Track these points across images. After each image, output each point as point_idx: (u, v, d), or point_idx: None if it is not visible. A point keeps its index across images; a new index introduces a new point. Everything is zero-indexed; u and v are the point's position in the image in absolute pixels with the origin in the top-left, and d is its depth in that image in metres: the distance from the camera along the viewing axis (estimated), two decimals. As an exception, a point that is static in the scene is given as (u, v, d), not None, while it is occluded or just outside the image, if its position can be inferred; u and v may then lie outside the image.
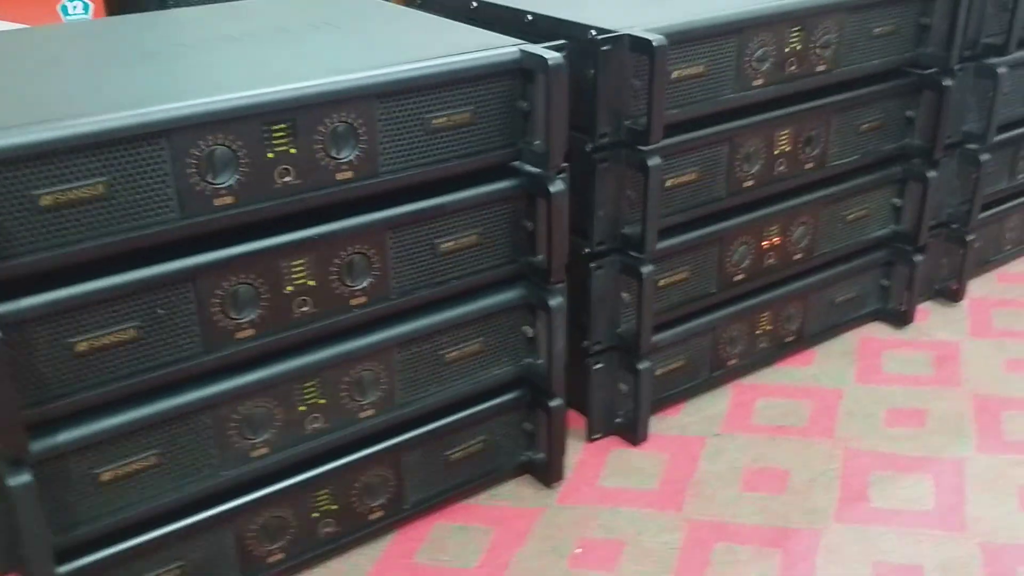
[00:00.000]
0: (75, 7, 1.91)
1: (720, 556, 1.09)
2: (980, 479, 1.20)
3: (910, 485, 1.20)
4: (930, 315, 1.58)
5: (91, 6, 1.91)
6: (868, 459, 1.24)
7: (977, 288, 1.65)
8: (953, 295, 1.60)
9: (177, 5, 1.84)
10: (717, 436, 1.30)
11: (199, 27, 1.17)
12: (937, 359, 1.46)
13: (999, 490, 1.19)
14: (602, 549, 1.10)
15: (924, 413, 1.34)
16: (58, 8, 1.90)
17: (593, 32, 1.10)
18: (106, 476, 0.89)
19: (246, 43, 1.07)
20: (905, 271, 1.50)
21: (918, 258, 1.49)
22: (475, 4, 1.29)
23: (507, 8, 1.23)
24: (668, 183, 1.21)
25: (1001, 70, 1.44)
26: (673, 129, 1.18)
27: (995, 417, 1.33)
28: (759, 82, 1.23)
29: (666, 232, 1.23)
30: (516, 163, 1.07)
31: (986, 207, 1.61)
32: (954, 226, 1.56)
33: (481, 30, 1.11)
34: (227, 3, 1.33)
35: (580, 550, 1.10)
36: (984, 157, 1.50)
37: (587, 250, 1.20)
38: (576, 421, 1.31)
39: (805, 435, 1.29)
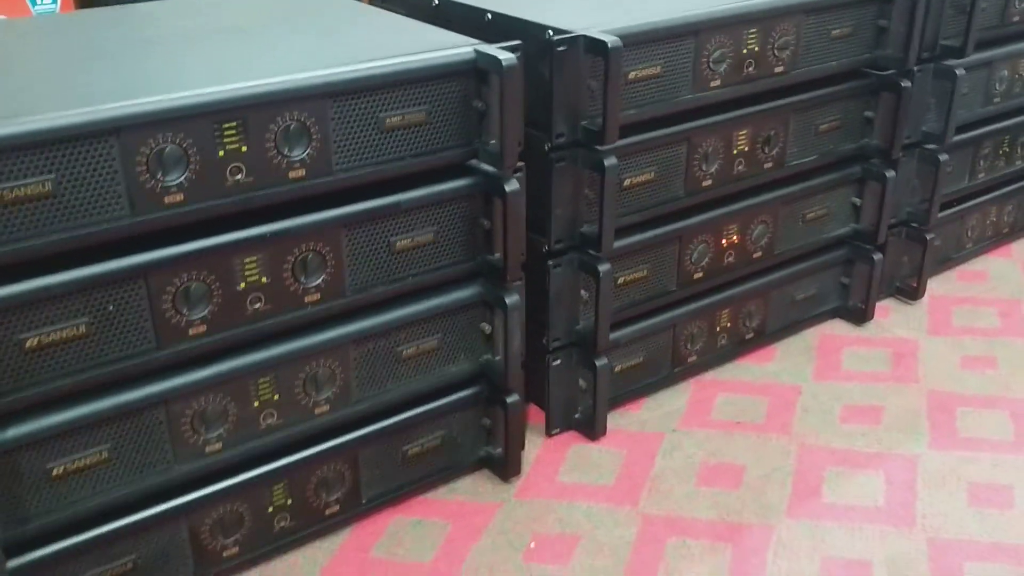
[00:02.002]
0: (44, -1, 1.91)
1: (673, 550, 1.10)
2: (932, 476, 1.22)
3: (863, 481, 1.21)
4: (890, 312, 1.60)
5: (59, -2, 1.91)
6: (823, 455, 1.26)
7: (937, 286, 1.67)
8: (913, 293, 1.62)
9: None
10: (675, 432, 1.31)
11: (159, 24, 1.17)
12: (895, 356, 1.48)
13: (950, 487, 1.20)
14: (557, 543, 1.12)
15: (880, 410, 1.36)
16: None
17: (550, 32, 1.11)
18: (57, 471, 0.90)
19: (203, 41, 1.07)
20: (865, 269, 1.52)
21: (878, 256, 1.51)
22: (436, 2, 1.29)
23: (467, 7, 1.24)
24: (626, 182, 1.22)
25: (959, 71, 1.46)
26: (630, 129, 1.19)
27: (950, 414, 1.35)
28: (716, 83, 1.24)
29: (625, 231, 1.25)
30: (473, 162, 1.08)
31: (946, 206, 1.64)
32: (914, 225, 1.58)
33: (439, 29, 1.11)
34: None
35: (534, 544, 1.11)
36: (943, 157, 1.52)
37: (546, 248, 1.21)
38: (536, 416, 1.32)
39: (762, 431, 1.31)
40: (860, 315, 1.55)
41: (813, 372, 1.44)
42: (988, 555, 1.09)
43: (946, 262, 1.72)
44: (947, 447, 1.28)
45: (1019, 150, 1.72)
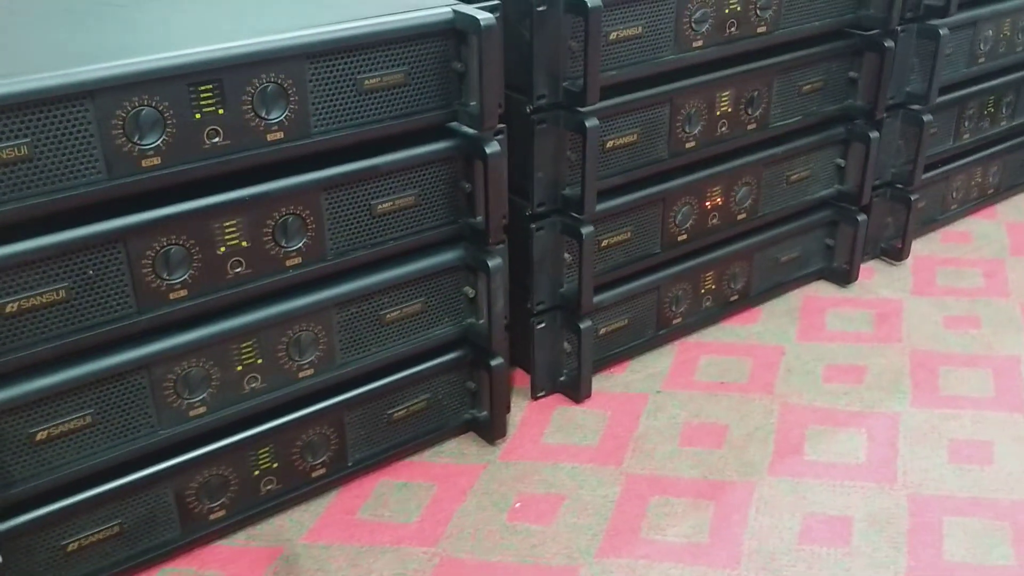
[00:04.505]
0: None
1: (656, 508, 1.11)
2: (913, 433, 1.24)
3: (844, 439, 1.23)
4: (874, 274, 1.61)
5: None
6: (805, 414, 1.27)
7: (921, 247, 1.68)
8: (897, 254, 1.62)
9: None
10: (659, 393, 1.32)
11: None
12: (878, 317, 1.49)
13: (931, 443, 1.22)
14: (542, 503, 1.13)
15: (863, 369, 1.37)
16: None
17: (529, -8, 1.10)
18: (40, 435, 0.90)
19: (179, 2, 1.06)
20: (849, 230, 1.53)
21: (862, 218, 1.51)
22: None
23: (447, -32, 1.23)
24: (608, 144, 1.22)
25: (943, 31, 1.46)
26: (612, 91, 1.19)
27: (932, 373, 1.36)
28: (698, 44, 1.23)
29: (608, 193, 1.25)
30: (453, 124, 1.08)
31: (931, 167, 1.64)
32: (898, 186, 1.59)
33: (417, -10, 1.10)
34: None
35: (519, 504, 1.12)
36: (927, 118, 1.52)
37: (528, 211, 1.21)
38: (521, 379, 1.33)
39: (745, 391, 1.32)
40: (844, 276, 1.56)
41: (797, 333, 1.45)
42: (967, 510, 1.11)
43: (931, 223, 1.72)
44: (929, 405, 1.29)
45: (1003, 111, 1.73)
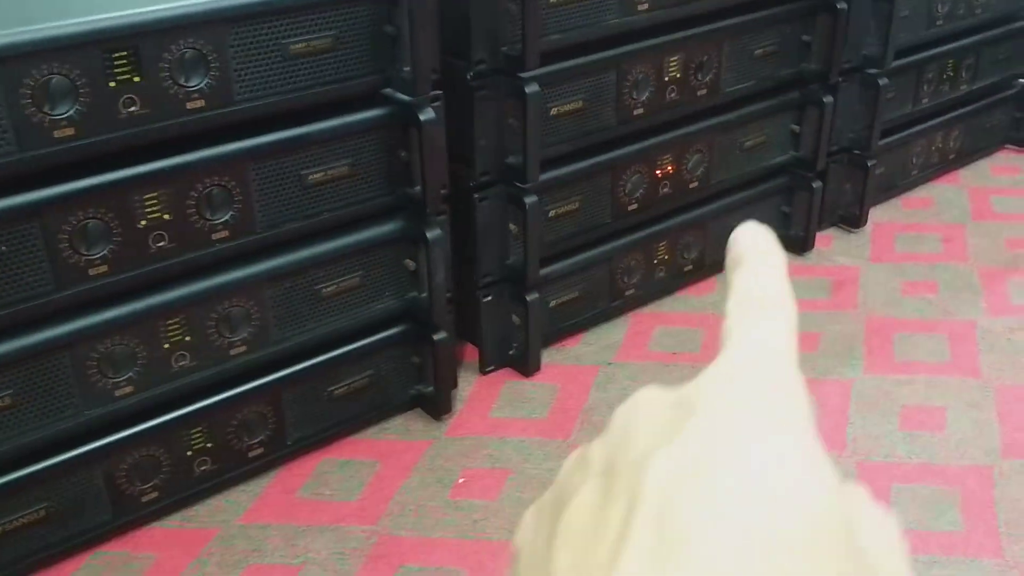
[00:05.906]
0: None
1: (602, 482, 1.10)
2: (865, 399, 1.22)
3: (796, 408, 1.21)
4: (833, 241, 1.59)
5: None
6: (758, 384, 1.25)
7: (882, 214, 1.66)
8: (855, 221, 1.61)
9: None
10: (611, 365, 1.30)
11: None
12: (835, 284, 1.47)
13: (882, 410, 1.20)
14: (486, 478, 1.11)
15: (817, 337, 1.35)
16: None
17: (464, -46, 1.07)
18: (-43, 418, 0.87)
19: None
20: (805, 197, 1.51)
21: (817, 184, 1.49)
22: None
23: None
24: (553, 111, 1.19)
25: (898, -8, 1.43)
26: (555, 56, 1.16)
27: (886, 339, 1.34)
28: (644, 7, 1.20)
29: (555, 162, 1.22)
30: (387, 91, 1.05)
31: (890, 132, 1.62)
32: (856, 152, 1.57)
33: (349, -47, 1.07)
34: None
35: (463, 480, 1.10)
36: (883, 81, 1.49)
37: (472, 181, 1.18)
38: (471, 354, 1.31)
39: (698, 361, 1.30)
40: (801, 244, 1.54)
41: (752, 302, 1.43)
42: (916, 476, 1.09)
43: (892, 189, 1.70)
44: (882, 371, 1.27)
45: (963, 74, 1.71)
